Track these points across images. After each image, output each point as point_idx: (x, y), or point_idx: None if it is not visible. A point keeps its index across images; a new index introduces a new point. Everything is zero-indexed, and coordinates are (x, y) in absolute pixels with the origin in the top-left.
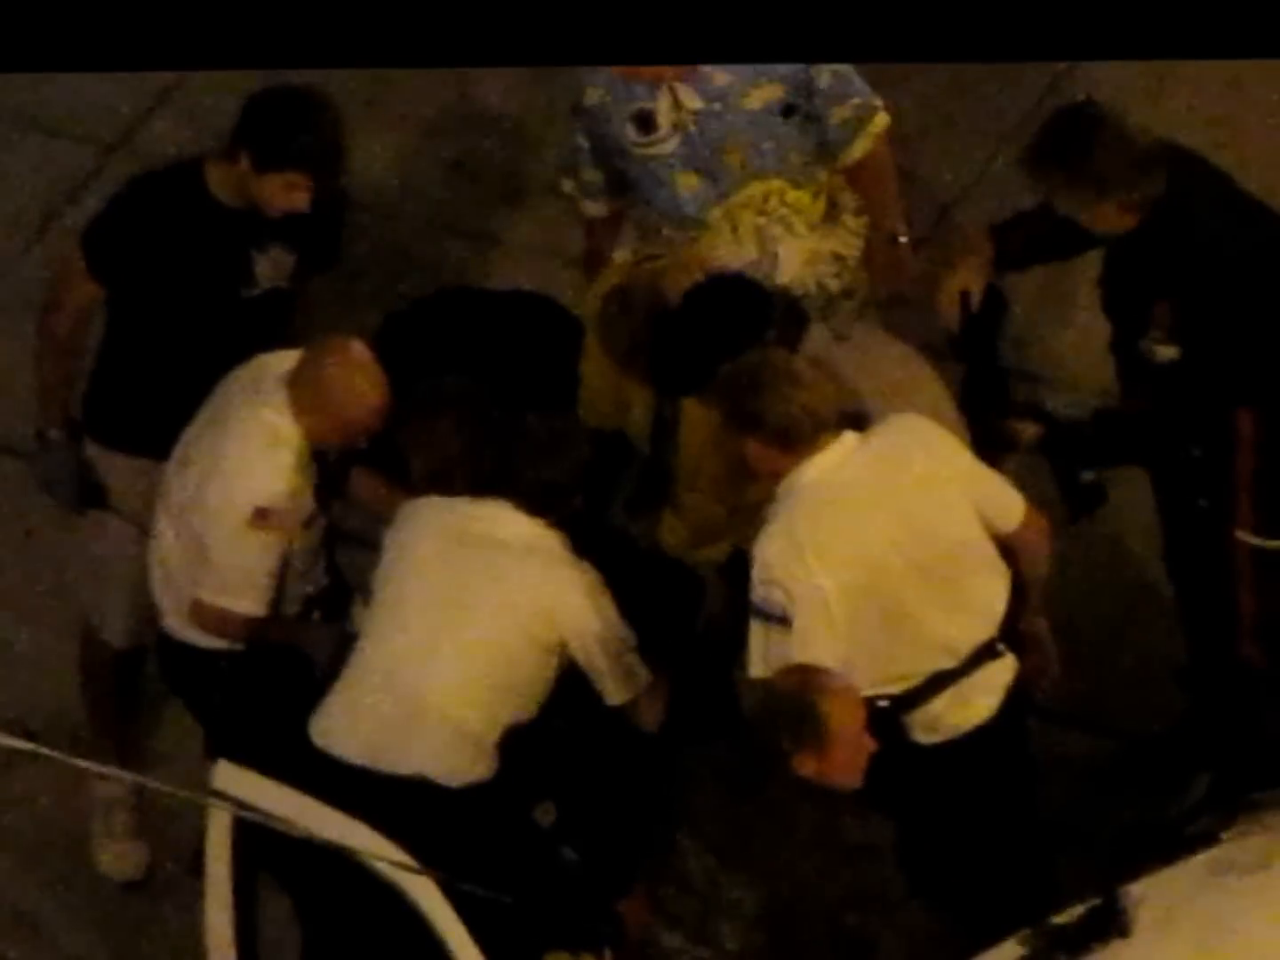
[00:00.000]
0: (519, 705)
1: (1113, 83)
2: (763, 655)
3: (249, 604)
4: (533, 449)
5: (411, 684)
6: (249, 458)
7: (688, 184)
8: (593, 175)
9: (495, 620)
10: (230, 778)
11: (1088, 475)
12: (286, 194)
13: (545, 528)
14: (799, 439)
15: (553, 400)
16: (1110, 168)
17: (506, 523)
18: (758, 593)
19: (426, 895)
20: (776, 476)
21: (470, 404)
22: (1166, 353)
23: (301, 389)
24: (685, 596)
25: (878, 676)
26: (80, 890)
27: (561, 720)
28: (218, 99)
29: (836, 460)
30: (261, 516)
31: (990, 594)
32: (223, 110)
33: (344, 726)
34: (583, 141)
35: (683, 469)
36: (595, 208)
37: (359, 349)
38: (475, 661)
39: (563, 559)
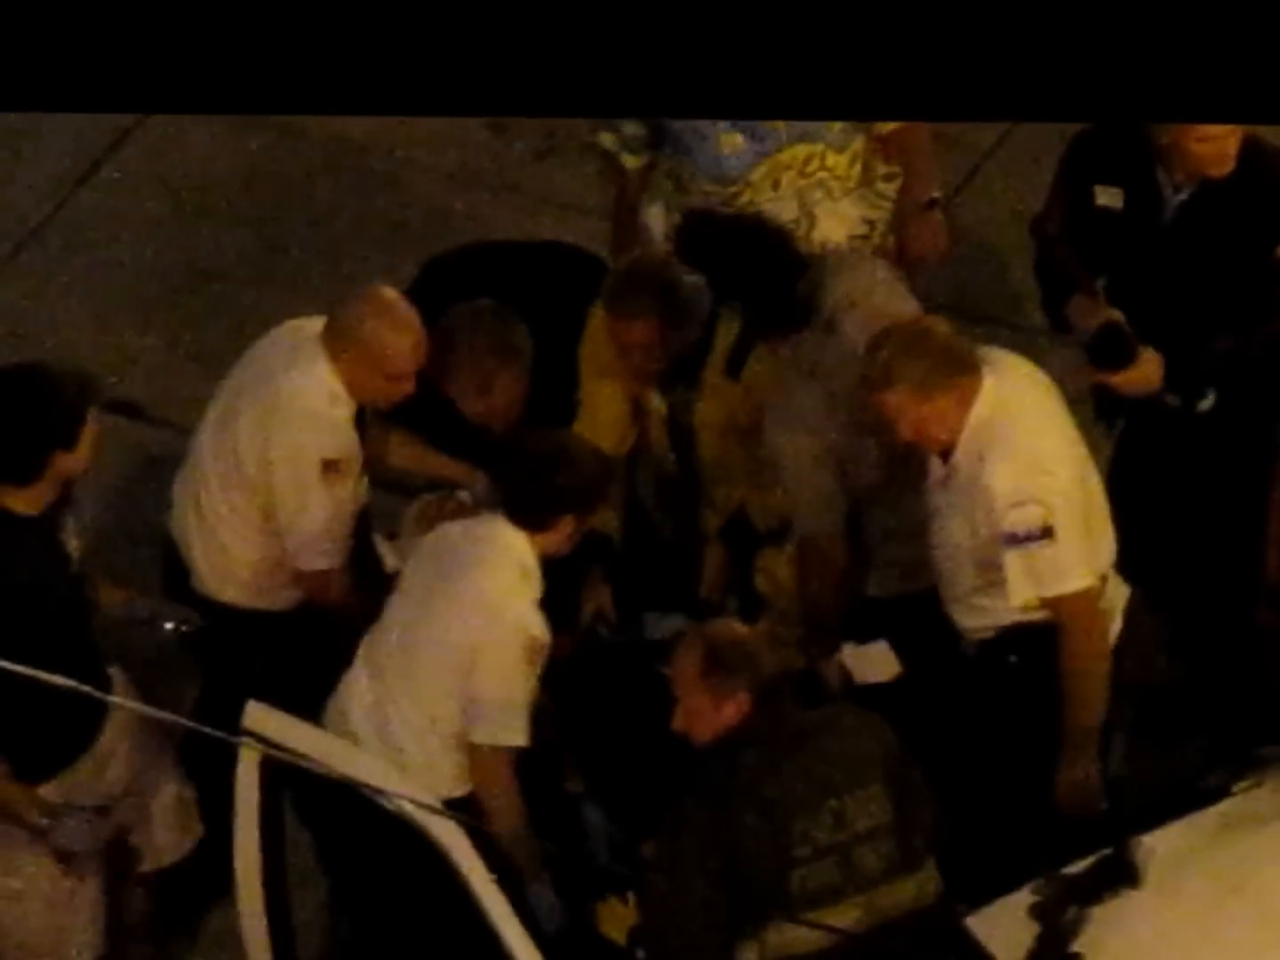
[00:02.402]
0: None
1: None
2: (1028, 579)
3: (335, 558)
4: (529, 466)
5: (375, 701)
6: (308, 415)
7: (731, 143)
8: (635, 129)
9: (440, 635)
10: (261, 718)
11: (1205, 403)
12: (82, 458)
13: (529, 547)
14: (970, 360)
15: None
16: None
17: (488, 538)
18: (1010, 520)
19: (453, 839)
20: (953, 431)
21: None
22: None
23: (339, 344)
24: (680, 569)
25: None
26: None
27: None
28: None
29: (996, 385)
30: (330, 469)
31: None
32: None
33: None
34: None
35: (706, 465)
36: (635, 161)
37: (388, 294)
38: (435, 674)
39: (516, 589)
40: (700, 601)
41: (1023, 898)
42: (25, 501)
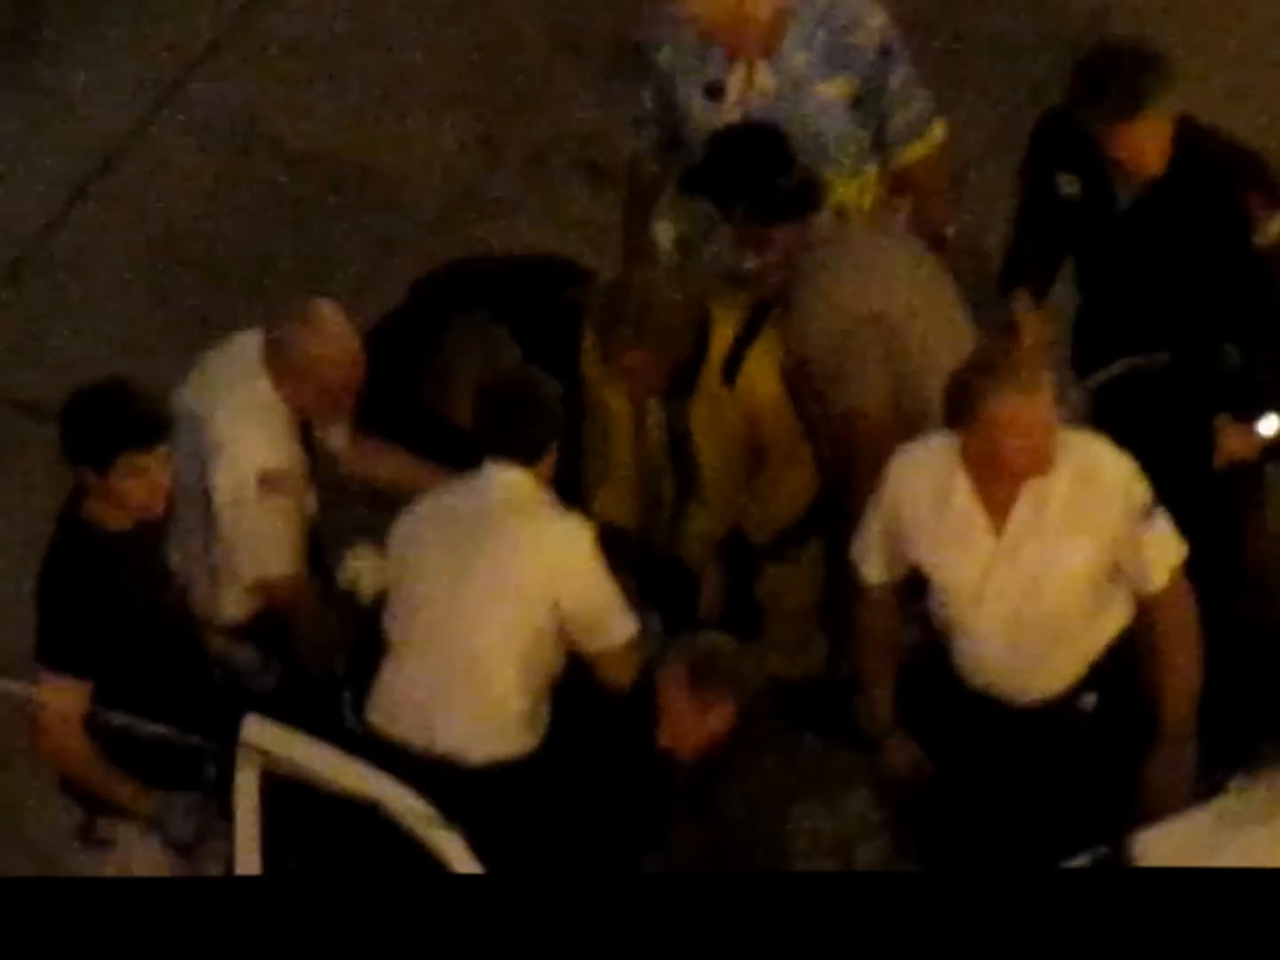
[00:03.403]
0: (540, 668)
1: None
2: (1167, 551)
3: (286, 565)
4: (503, 404)
5: (435, 671)
6: (243, 431)
7: None
8: (656, 133)
9: (494, 588)
10: (259, 731)
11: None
12: (141, 481)
13: (531, 480)
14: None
15: (573, 357)
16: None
17: (493, 485)
18: (1140, 493)
19: (453, 849)
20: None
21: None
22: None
23: (274, 358)
24: (678, 587)
25: None
26: None
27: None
28: (250, 61)
29: None
30: (268, 482)
31: None
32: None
33: (393, 711)
34: (649, 99)
35: (704, 469)
36: (656, 166)
37: (322, 308)
38: (485, 635)
39: (545, 512)
40: (698, 620)
41: None
42: (108, 517)
